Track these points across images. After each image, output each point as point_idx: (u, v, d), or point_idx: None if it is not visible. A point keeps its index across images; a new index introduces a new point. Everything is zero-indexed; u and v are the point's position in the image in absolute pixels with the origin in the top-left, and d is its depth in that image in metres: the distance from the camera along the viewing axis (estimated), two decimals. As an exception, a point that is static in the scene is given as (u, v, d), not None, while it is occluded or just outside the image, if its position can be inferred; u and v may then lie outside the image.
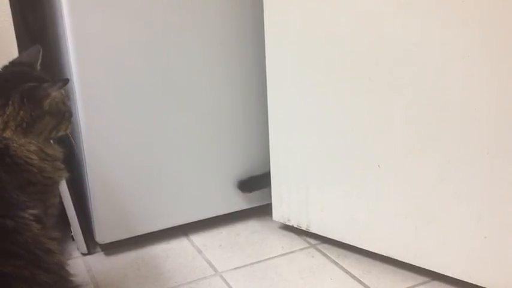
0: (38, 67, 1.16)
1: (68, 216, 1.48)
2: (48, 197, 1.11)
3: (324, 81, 1.35)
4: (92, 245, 1.52)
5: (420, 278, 1.35)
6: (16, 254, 0.88)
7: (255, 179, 1.59)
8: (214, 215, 1.60)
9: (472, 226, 1.21)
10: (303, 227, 1.52)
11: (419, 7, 1.16)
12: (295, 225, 1.54)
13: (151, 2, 1.37)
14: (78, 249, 1.51)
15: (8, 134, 1.04)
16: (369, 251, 1.41)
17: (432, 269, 1.31)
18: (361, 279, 1.37)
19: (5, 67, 1.14)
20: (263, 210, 1.63)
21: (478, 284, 1.24)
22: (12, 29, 1.38)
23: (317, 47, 1.33)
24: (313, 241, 1.53)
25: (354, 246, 1.44)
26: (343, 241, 1.45)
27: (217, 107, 1.51)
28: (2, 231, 0.88)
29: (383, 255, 1.39)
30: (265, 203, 1.61)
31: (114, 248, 1.52)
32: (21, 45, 1.39)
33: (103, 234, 1.48)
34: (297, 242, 1.54)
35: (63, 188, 1.43)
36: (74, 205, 1.48)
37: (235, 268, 1.43)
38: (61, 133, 1.15)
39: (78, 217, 1.49)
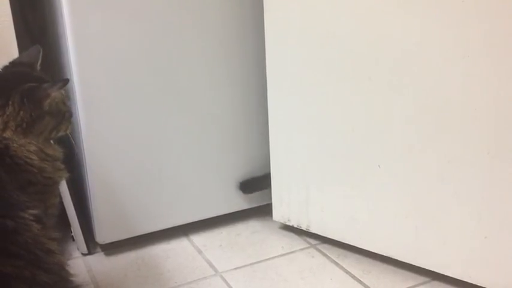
0: (38, 67, 1.16)
1: (68, 216, 1.48)
2: (48, 197, 1.11)
3: (324, 81, 1.35)
4: (92, 245, 1.52)
5: (420, 278, 1.35)
6: (16, 254, 0.88)
7: (256, 180, 1.59)
8: (215, 215, 1.60)
9: (472, 226, 1.21)
10: (303, 227, 1.52)
11: (419, 7, 1.16)
12: (295, 225, 1.54)
13: (152, 2, 1.37)
14: (78, 249, 1.51)
15: (8, 134, 1.04)
16: (369, 251, 1.41)
17: (432, 269, 1.31)
18: (361, 279, 1.37)
19: (5, 67, 1.14)
20: (263, 210, 1.63)
21: (478, 284, 1.24)
22: (12, 28, 1.38)
23: (317, 47, 1.33)
24: (313, 241, 1.53)
25: (354, 246, 1.44)
26: (343, 241, 1.45)
27: (217, 107, 1.51)
28: (2, 231, 0.88)
29: (383, 255, 1.39)
30: (265, 203, 1.61)
31: (114, 248, 1.52)
32: (21, 45, 1.39)
33: (103, 235, 1.48)
34: (297, 242, 1.54)
35: (63, 188, 1.43)
36: (74, 205, 1.48)
37: (236, 268, 1.43)
38: (61, 133, 1.15)
39: (78, 217, 1.49)
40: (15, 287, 0.85)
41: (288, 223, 1.55)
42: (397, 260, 1.36)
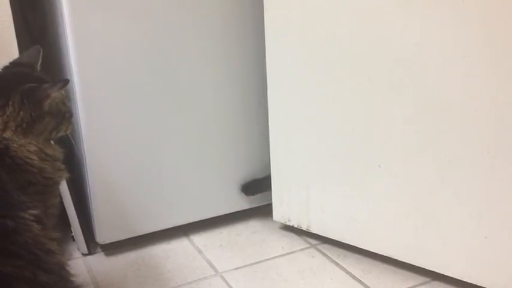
0: (38, 67, 1.16)
1: (68, 216, 1.48)
2: (48, 198, 1.11)
3: (324, 81, 1.35)
4: (92, 245, 1.52)
5: (420, 278, 1.35)
6: (16, 255, 0.88)
7: (258, 182, 1.59)
8: (215, 215, 1.60)
9: (472, 226, 1.21)
10: (303, 227, 1.52)
11: (419, 7, 1.16)
12: (295, 226, 1.54)
13: (152, 2, 1.37)
14: (78, 249, 1.51)
15: (8, 134, 1.04)
16: (369, 251, 1.41)
17: (432, 269, 1.31)
18: (362, 279, 1.37)
19: (5, 67, 1.14)
20: (264, 211, 1.63)
21: (478, 284, 1.24)
22: (13, 28, 1.38)
23: (317, 46, 1.33)
24: (313, 241, 1.53)
25: (354, 246, 1.44)
26: (344, 241, 1.45)
27: (218, 107, 1.51)
28: (2, 231, 0.88)
29: (383, 255, 1.39)
30: (265, 203, 1.61)
31: (114, 248, 1.52)
32: (22, 45, 1.39)
33: (103, 235, 1.48)
34: (298, 242, 1.54)
35: (64, 188, 1.43)
36: (75, 205, 1.48)
37: (236, 268, 1.43)
38: (61, 133, 1.15)
39: (78, 217, 1.49)
40: (15, 287, 0.85)
41: (288, 223, 1.55)
42: (397, 260, 1.36)
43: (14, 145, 1.04)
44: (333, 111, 1.36)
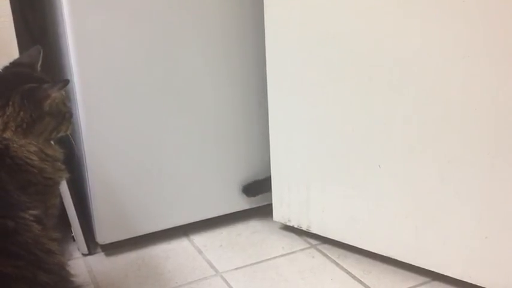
0: (39, 68, 1.16)
1: (68, 216, 1.48)
2: (48, 198, 1.11)
3: (324, 81, 1.35)
4: (92, 245, 1.52)
5: (420, 278, 1.35)
6: (16, 255, 0.88)
7: (259, 183, 1.59)
8: (215, 215, 1.60)
9: (472, 226, 1.21)
10: (304, 228, 1.52)
11: (419, 7, 1.16)
12: (295, 226, 1.54)
13: (152, 2, 1.37)
14: (78, 249, 1.51)
15: (8, 134, 1.04)
16: (369, 251, 1.41)
17: (432, 269, 1.31)
18: (362, 280, 1.37)
19: (6, 68, 1.14)
20: (264, 211, 1.63)
21: (479, 284, 1.24)
22: (13, 28, 1.38)
23: (317, 47, 1.33)
24: (313, 241, 1.53)
25: (354, 247, 1.44)
26: (344, 241, 1.45)
27: (218, 107, 1.51)
28: (3, 231, 0.88)
29: (383, 256, 1.39)
30: (265, 203, 1.61)
31: (114, 248, 1.52)
32: (22, 45, 1.39)
33: (103, 235, 1.48)
34: (298, 243, 1.54)
35: (64, 188, 1.43)
36: (75, 205, 1.48)
37: (236, 268, 1.43)
38: (61, 134, 1.15)
39: (78, 217, 1.49)
40: (15, 288, 0.85)
41: (288, 223, 1.55)
42: (397, 260, 1.36)
43: (14, 145, 1.04)
44: (333, 111, 1.36)
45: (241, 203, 1.62)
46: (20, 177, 1.03)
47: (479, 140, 1.16)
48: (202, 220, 1.59)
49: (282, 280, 1.38)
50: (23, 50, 1.31)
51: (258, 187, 1.59)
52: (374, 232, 1.38)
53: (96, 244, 1.52)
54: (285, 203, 1.53)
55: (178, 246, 1.54)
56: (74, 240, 1.52)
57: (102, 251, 1.53)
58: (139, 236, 1.52)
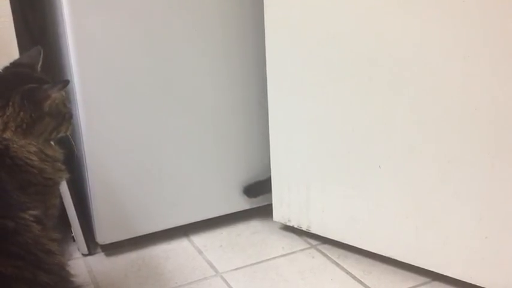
0: (39, 68, 1.16)
1: (68, 217, 1.48)
2: (48, 198, 1.11)
3: (324, 81, 1.35)
4: (92, 245, 1.52)
5: (421, 279, 1.35)
6: (16, 255, 0.87)
7: (260, 184, 1.59)
8: (215, 216, 1.60)
9: (472, 226, 1.21)
10: (304, 228, 1.52)
11: (419, 7, 1.16)
12: (295, 226, 1.54)
13: (152, 2, 1.37)
14: (78, 249, 1.51)
15: (7, 134, 1.04)
16: (369, 252, 1.41)
17: (433, 270, 1.31)
18: (362, 280, 1.37)
19: (6, 68, 1.14)
20: (264, 211, 1.63)
21: (479, 285, 1.24)
22: (13, 28, 1.38)
23: (318, 47, 1.33)
24: (313, 242, 1.53)
25: (354, 247, 1.44)
26: (344, 241, 1.45)
27: (218, 107, 1.51)
28: (3, 232, 0.88)
29: (383, 256, 1.39)
30: (265, 203, 1.61)
31: (114, 248, 1.52)
32: (22, 45, 1.39)
33: (103, 235, 1.48)
34: (298, 243, 1.54)
35: (64, 188, 1.43)
36: (75, 206, 1.48)
37: (236, 269, 1.43)
38: (61, 134, 1.15)
39: (78, 218, 1.49)
40: (15, 288, 0.85)
41: (288, 223, 1.55)
42: (397, 260, 1.36)
43: (14, 146, 1.04)
44: (333, 111, 1.36)
45: (241, 203, 1.62)
46: (20, 178, 1.03)
47: (479, 140, 1.16)
48: (202, 220, 1.59)
49: (282, 280, 1.38)
50: (23, 51, 1.32)
51: (259, 188, 1.59)
52: (374, 232, 1.38)
53: (96, 244, 1.52)
54: (285, 203, 1.53)
55: (179, 247, 1.54)
56: (74, 240, 1.52)
57: (102, 251, 1.53)
58: (140, 236, 1.52)
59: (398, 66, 1.22)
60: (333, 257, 1.46)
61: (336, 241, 1.47)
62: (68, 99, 1.18)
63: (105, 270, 1.45)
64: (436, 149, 1.22)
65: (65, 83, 1.11)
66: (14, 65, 1.15)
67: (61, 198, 1.36)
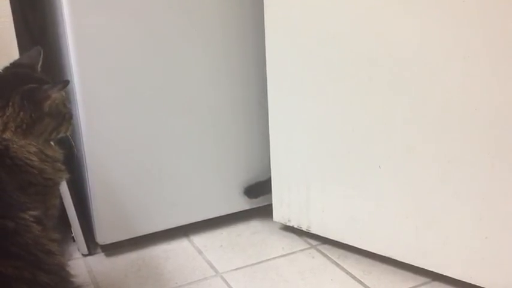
0: (39, 68, 1.16)
1: (68, 217, 1.48)
2: (48, 198, 1.11)
3: (324, 81, 1.35)
4: (92, 245, 1.52)
5: (421, 279, 1.35)
6: (16, 255, 0.88)
7: (260, 185, 1.59)
8: (215, 216, 1.60)
9: (472, 226, 1.21)
10: (304, 228, 1.52)
11: (419, 7, 1.16)
12: (295, 226, 1.54)
13: (152, 2, 1.37)
14: (78, 250, 1.51)
15: (7, 135, 1.04)
16: (369, 252, 1.41)
17: (433, 270, 1.31)
18: (362, 280, 1.37)
19: (6, 68, 1.14)
20: (264, 211, 1.63)
21: (479, 285, 1.24)
22: (13, 28, 1.38)
23: (317, 47, 1.33)
24: (313, 242, 1.53)
25: (354, 247, 1.44)
26: (344, 242, 1.45)
27: (218, 108, 1.51)
28: (3, 232, 0.88)
29: (383, 256, 1.38)
30: (265, 203, 1.61)
31: (114, 248, 1.52)
32: (22, 45, 1.39)
33: (103, 235, 1.48)
34: (298, 243, 1.54)
35: (64, 189, 1.43)
36: (75, 206, 1.48)
37: (236, 269, 1.43)
38: (61, 135, 1.15)
39: (78, 218, 1.49)
40: (15, 289, 0.85)
41: (288, 224, 1.55)
42: (397, 261, 1.36)
43: (14, 146, 1.04)
44: (333, 111, 1.36)
45: (241, 203, 1.62)
46: (19, 178, 1.03)
47: (479, 140, 1.16)
48: (203, 220, 1.58)
49: (282, 280, 1.38)
50: (23, 51, 1.32)
51: (260, 188, 1.59)
52: (374, 232, 1.38)
53: (96, 244, 1.52)
54: (285, 204, 1.53)
55: (179, 247, 1.54)
56: (74, 240, 1.52)
57: (102, 251, 1.53)
58: (140, 237, 1.52)
59: (398, 66, 1.22)
60: (333, 257, 1.46)
61: (336, 241, 1.47)
62: (68, 100, 1.18)
63: (105, 270, 1.45)
64: (436, 149, 1.22)
65: (65, 83, 1.11)
66: (14, 65, 1.15)
67: (61, 198, 1.36)
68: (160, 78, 1.43)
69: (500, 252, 1.19)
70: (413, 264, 1.34)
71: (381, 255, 1.39)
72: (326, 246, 1.51)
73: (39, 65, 1.16)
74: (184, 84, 1.46)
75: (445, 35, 1.14)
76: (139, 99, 1.42)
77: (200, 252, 1.51)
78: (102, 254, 1.52)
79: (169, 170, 1.50)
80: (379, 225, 1.36)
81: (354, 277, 1.38)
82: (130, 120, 1.42)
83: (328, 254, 1.48)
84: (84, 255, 1.51)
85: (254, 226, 1.63)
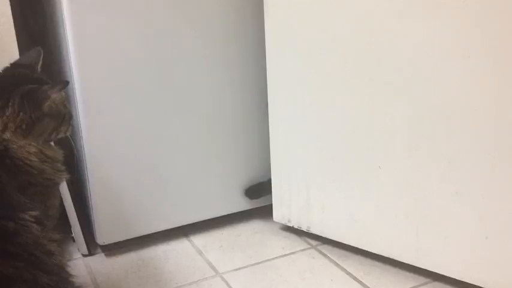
0: (39, 69, 1.16)
1: (68, 217, 1.48)
2: (48, 199, 1.11)
3: (324, 82, 1.35)
4: (92, 246, 1.52)
5: (421, 279, 1.34)
6: (16, 256, 0.88)
7: (261, 186, 1.59)
8: (215, 216, 1.60)
9: (473, 226, 1.21)
10: (304, 228, 1.52)
11: (420, 8, 1.16)
12: (295, 226, 1.54)
13: (152, 3, 1.37)
14: (78, 250, 1.51)
15: (7, 135, 1.04)
16: (369, 252, 1.41)
17: (433, 270, 1.31)
18: (362, 280, 1.37)
19: (6, 69, 1.14)
20: (264, 211, 1.63)
21: (479, 285, 1.24)
22: (13, 29, 1.38)
23: (318, 47, 1.33)
24: (313, 242, 1.53)
25: (354, 247, 1.44)
26: (344, 242, 1.45)
27: (218, 108, 1.51)
28: (3, 232, 0.88)
29: (384, 256, 1.38)
30: (266, 204, 1.61)
31: (114, 249, 1.52)
32: (22, 46, 1.39)
33: (104, 236, 1.48)
34: (298, 243, 1.54)
35: (64, 189, 1.43)
36: (75, 206, 1.48)
37: (236, 269, 1.43)
38: (61, 135, 1.15)
39: (78, 218, 1.49)
40: (15, 289, 0.85)
41: (288, 224, 1.55)
42: (397, 261, 1.36)
43: (14, 146, 1.04)
44: (334, 112, 1.36)
45: (242, 204, 1.62)
46: (19, 178, 1.04)
47: (479, 140, 1.16)
48: (202, 221, 1.58)
49: (282, 281, 1.38)
50: (23, 51, 1.32)
51: (261, 189, 1.59)
52: (374, 232, 1.37)
53: (96, 245, 1.52)
54: (285, 204, 1.53)
55: (179, 247, 1.54)
56: (74, 241, 1.52)
57: (102, 251, 1.53)
58: (140, 237, 1.52)
59: (399, 67, 1.22)
60: (333, 258, 1.46)
61: (336, 241, 1.47)
62: (68, 100, 1.18)
63: (105, 270, 1.45)
64: (436, 149, 1.22)
65: (65, 83, 1.11)
66: (14, 65, 1.15)
67: (61, 198, 1.36)
68: (161, 79, 1.43)
69: (500, 252, 1.19)
70: (413, 264, 1.34)
71: (381, 256, 1.39)
72: (326, 246, 1.51)
73: (39, 66, 1.17)
74: (185, 85, 1.46)
75: (445, 35, 1.14)
76: (139, 99, 1.42)
77: (200, 253, 1.51)
78: (102, 254, 1.52)
79: (169, 170, 1.50)
80: (379, 225, 1.36)
81: (354, 277, 1.38)
82: (130, 121, 1.42)
83: (328, 254, 1.48)
84: (84, 256, 1.51)
85: (254, 226, 1.63)
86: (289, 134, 1.45)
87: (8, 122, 1.04)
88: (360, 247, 1.42)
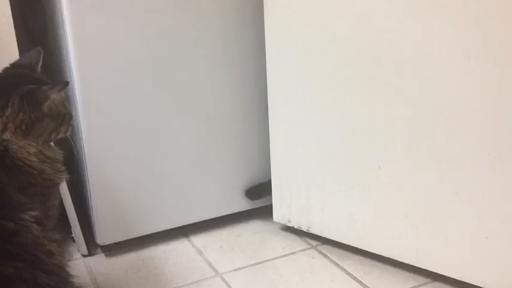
0: (39, 69, 1.16)
1: (68, 217, 1.48)
2: (48, 199, 1.11)
3: (324, 81, 1.35)
4: (92, 246, 1.52)
5: (421, 279, 1.34)
6: (16, 256, 0.88)
7: (261, 186, 1.59)
8: (215, 216, 1.60)
9: (473, 226, 1.21)
10: (304, 228, 1.52)
11: (420, 8, 1.16)
12: (295, 227, 1.54)
13: (152, 3, 1.37)
14: (78, 250, 1.51)
15: (7, 135, 1.04)
16: (369, 252, 1.41)
17: (433, 270, 1.31)
18: (362, 281, 1.37)
19: (6, 69, 1.14)
20: (264, 212, 1.63)
21: (479, 285, 1.24)
22: (13, 29, 1.38)
23: (318, 47, 1.33)
24: (313, 242, 1.53)
25: (354, 247, 1.44)
26: (344, 242, 1.45)
27: (218, 108, 1.51)
28: (3, 232, 0.88)
29: (384, 256, 1.38)
30: (266, 204, 1.61)
31: (114, 249, 1.52)
32: (22, 46, 1.39)
33: (103, 236, 1.48)
34: (298, 243, 1.54)
35: (64, 189, 1.43)
36: (75, 206, 1.48)
37: (236, 269, 1.43)
38: (61, 135, 1.15)
39: (78, 218, 1.49)
40: (15, 289, 0.85)
41: (288, 224, 1.55)
42: (398, 261, 1.36)
43: (14, 146, 1.04)
44: (334, 112, 1.36)
45: (242, 204, 1.62)
46: (19, 178, 1.04)
47: (479, 140, 1.16)
48: (203, 221, 1.58)
49: (282, 281, 1.38)
50: (23, 51, 1.32)
51: (261, 190, 1.59)
52: (374, 233, 1.37)
53: (96, 245, 1.52)
54: (285, 204, 1.53)
55: (179, 247, 1.54)
56: (74, 241, 1.52)
57: (102, 252, 1.53)
58: (140, 237, 1.52)
59: (399, 67, 1.22)
60: (333, 258, 1.46)
61: (336, 242, 1.47)
62: (68, 100, 1.18)
63: (105, 271, 1.45)
64: (436, 149, 1.22)
65: (65, 84, 1.11)
66: (13, 66, 1.15)
67: (61, 199, 1.36)
68: (161, 79, 1.43)
69: (500, 252, 1.19)
70: (413, 264, 1.33)
71: (381, 256, 1.39)
72: (326, 246, 1.51)
73: (39, 66, 1.17)
74: (185, 85, 1.46)
75: (445, 35, 1.14)
76: (139, 99, 1.42)
77: (200, 253, 1.51)
78: (102, 254, 1.52)
79: (169, 170, 1.50)
80: (379, 225, 1.36)
81: (354, 277, 1.38)
82: (130, 121, 1.42)
83: (328, 255, 1.48)
84: (84, 256, 1.51)
85: (254, 226, 1.63)
86: (289, 134, 1.45)
87: (7, 122, 1.04)
88: (359, 247, 1.42)
